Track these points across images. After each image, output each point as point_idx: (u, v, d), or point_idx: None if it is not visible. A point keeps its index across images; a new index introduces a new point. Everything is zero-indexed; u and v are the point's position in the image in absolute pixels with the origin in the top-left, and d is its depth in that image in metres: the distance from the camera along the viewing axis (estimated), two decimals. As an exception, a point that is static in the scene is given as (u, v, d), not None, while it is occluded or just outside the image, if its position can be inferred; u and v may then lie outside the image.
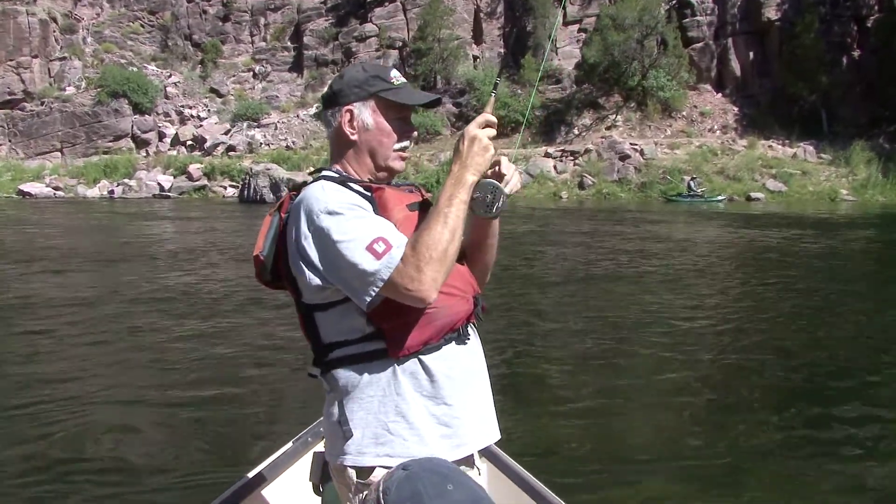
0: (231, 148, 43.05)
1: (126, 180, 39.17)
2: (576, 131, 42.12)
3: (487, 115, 2.20)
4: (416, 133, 2.41)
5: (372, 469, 2.20)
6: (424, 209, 2.27)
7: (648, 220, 25.36)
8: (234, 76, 49.57)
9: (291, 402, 6.60)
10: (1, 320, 9.72)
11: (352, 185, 2.24)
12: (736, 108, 43.66)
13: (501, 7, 47.61)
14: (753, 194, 35.51)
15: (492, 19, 47.59)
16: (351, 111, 2.33)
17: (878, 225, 25.53)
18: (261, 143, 43.73)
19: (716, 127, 43.03)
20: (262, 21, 51.30)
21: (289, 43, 50.62)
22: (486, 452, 3.18)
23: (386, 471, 2.13)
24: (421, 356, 2.19)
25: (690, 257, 16.24)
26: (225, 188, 38.06)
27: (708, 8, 45.54)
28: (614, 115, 42.74)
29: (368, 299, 2.09)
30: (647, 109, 42.65)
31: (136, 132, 44.33)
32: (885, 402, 6.64)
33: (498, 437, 2.35)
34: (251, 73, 49.82)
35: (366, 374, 2.21)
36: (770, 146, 40.59)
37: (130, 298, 11.17)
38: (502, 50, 47.13)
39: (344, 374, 2.24)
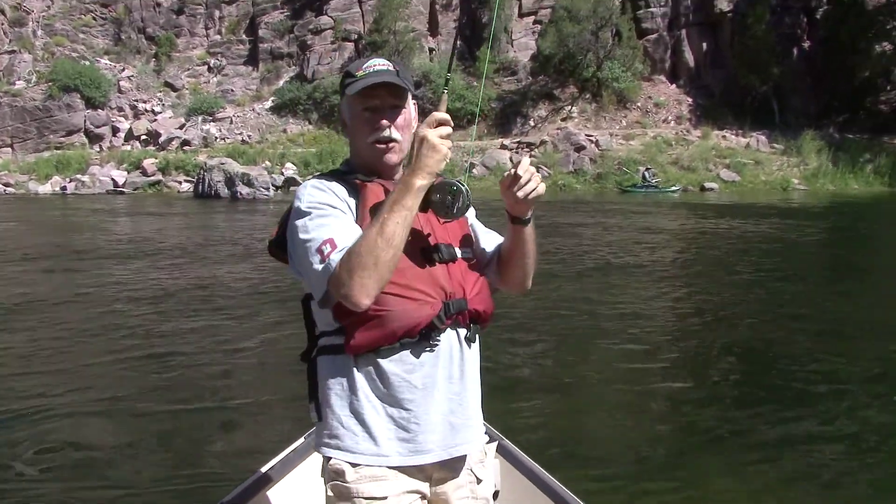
0: (186, 142, 42.58)
1: (79, 176, 38.53)
2: (531, 123, 42.25)
3: (437, 114, 2.15)
4: (385, 123, 2.28)
5: (328, 459, 2.26)
6: None
7: (604, 210, 25.57)
8: (188, 70, 49.00)
9: (302, 398, 6.50)
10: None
11: (349, 178, 2.30)
12: (690, 99, 44.06)
13: (457, -1, 47.61)
14: (707, 184, 35.90)
15: (447, 11, 47.48)
16: (341, 108, 2.42)
17: (829, 213, 26.03)
18: (216, 138, 43.28)
19: (670, 118, 43.38)
20: (217, 14, 50.69)
21: (244, 36, 50.10)
22: (500, 449, 3.22)
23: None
24: (378, 357, 2.20)
25: (647, 247, 16.44)
26: (180, 183, 37.62)
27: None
28: (570, 107, 42.94)
29: (318, 298, 2.18)
30: (603, 100, 42.89)
31: (88, 127, 43.59)
32: (840, 389, 6.86)
33: (476, 450, 2.35)
34: (206, 66, 49.27)
35: (332, 367, 2.26)
36: (723, 136, 41.06)
37: (92, 298, 11.02)
38: (458, 42, 47.04)
39: (321, 364, 2.30)
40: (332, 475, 2.25)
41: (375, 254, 2.01)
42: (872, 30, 41.25)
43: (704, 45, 45.16)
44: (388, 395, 2.21)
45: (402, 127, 2.32)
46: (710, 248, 16.39)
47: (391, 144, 2.30)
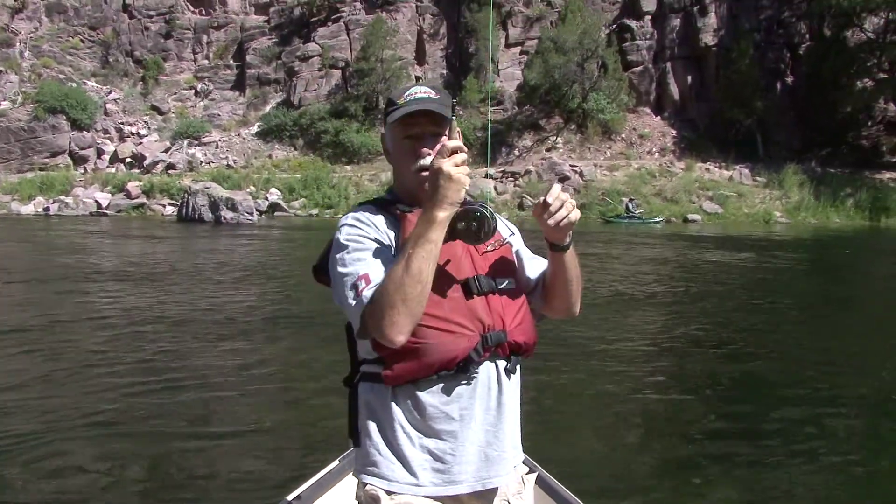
0: (171, 166, 42.55)
1: (62, 197, 38.42)
2: (516, 152, 42.40)
3: (450, 143, 2.10)
4: (426, 151, 2.25)
5: (364, 485, 2.25)
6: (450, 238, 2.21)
7: (588, 240, 25.62)
8: (175, 94, 49.07)
9: (333, 420, 6.48)
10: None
11: (391, 208, 2.30)
12: (674, 131, 44.35)
13: (444, 28, 47.88)
14: (690, 216, 36.06)
15: (435, 40, 47.83)
16: (383, 135, 2.43)
17: (810, 246, 26.23)
18: (201, 162, 43.28)
19: (654, 149, 43.61)
20: (205, 39, 50.86)
21: (231, 61, 50.26)
22: (539, 480, 3.15)
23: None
24: (416, 388, 2.19)
25: (630, 277, 16.50)
26: (164, 206, 37.55)
27: (647, 32, 46.24)
28: (555, 137, 43.11)
29: (355, 332, 2.20)
30: (587, 131, 43.13)
31: (73, 148, 43.54)
32: (816, 411, 7.06)
33: (513, 481, 2.33)
34: (193, 90, 49.35)
35: (373, 395, 2.25)
36: (707, 169, 41.26)
37: (99, 321, 10.98)
38: (445, 71, 47.33)
39: (362, 390, 2.30)
40: (367, 500, 2.24)
41: (403, 291, 2.01)
42: (854, 66, 41.73)
43: (689, 78, 45.53)
44: (425, 425, 2.20)
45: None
46: (693, 278, 16.45)
47: None
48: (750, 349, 9.69)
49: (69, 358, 8.71)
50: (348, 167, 42.02)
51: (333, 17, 47.81)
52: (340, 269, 2.17)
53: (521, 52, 46.87)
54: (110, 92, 47.60)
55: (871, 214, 37.60)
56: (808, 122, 43.31)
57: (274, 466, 5.62)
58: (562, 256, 2.33)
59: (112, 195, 38.51)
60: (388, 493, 2.20)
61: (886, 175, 40.73)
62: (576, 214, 2.24)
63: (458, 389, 2.21)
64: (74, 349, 9.20)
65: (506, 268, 2.35)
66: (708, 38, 44.88)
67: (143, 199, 37.96)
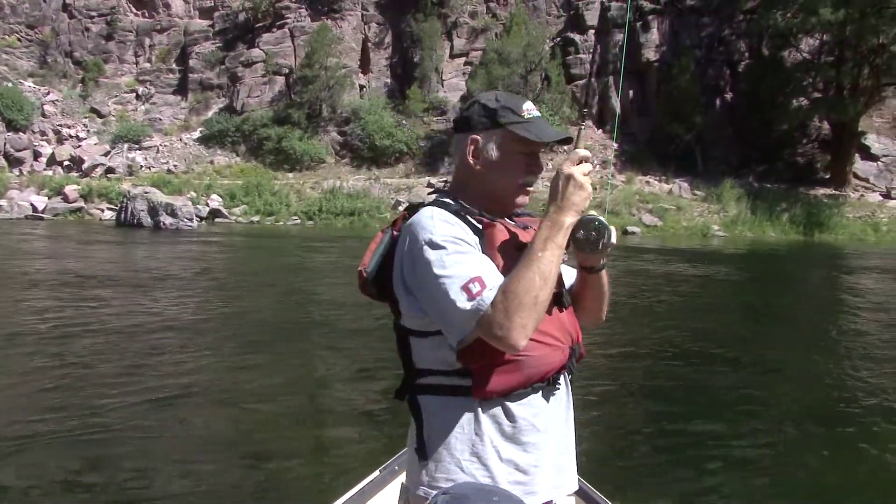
0: (110, 170, 41.83)
1: (-4, 200, 37.70)
2: (459, 162, 42.44)
3: (580, 151, 2.15)
4: (542, 170, 2.31)
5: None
6: None
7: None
8: (116, 96, 48.33)
9: (379, 428, 6.46)
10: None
11: (466, 216, 2.20)
12: (615, 145, 44.79)
13: (389, 37, 47.87)
14: (630, 228, 36.39)
15: (379, 49, 47.78)
16: (477, 141, 2.30)
17: (747, 258, 26.72)
18: (141, 166, 42.65)
19: (596, 162, 43.70)
20: (148, 42, 50.21)
21: (174, 65, 49.67)
22: (580, 492, 3.10)
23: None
24: (507, 401, 2.16)
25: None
26: (102, 211, 36.82)
27: (590, 46, 46.56)
28: (497, 148, 43.14)
29: (458, 338, 2.09)
30: (530, 143, 43.32)
31: (8, 150, 42.55)
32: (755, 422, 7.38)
33: (574, 488, 2.33)
34: (134, 94, 48.67)
35: (448, 408, 2.19)
36: (647, 182, 41.76)
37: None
38: (389, 80, 47.35)
39: (428, 403, 2.23)
40: None
41: (534, 293, 1.98)
42: (790, 85, 42.52)
43: (631, 92, 46.02)
44: (514, 438, 2.17)
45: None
46: (637, 289, 16.65)
47: (532, 190, 2.35)
48: (691, 357, 9.93)
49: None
50: (290, 174, 41.78)
51: (278, 23, 47.50)
52: (439, 270, 2.06)
53: (466, 63, 47.04)
54: (48, 93, 46.67)
55: (805, 229, 38.28)
56: (745, 139, 44.07)
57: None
58: (596, 277, 2.35)
59: (49, 199, 37.65)
60: None
61: (820, 191, 41.59)
62: (613, 238, 2.23)
63: (544, 402, 2.22)
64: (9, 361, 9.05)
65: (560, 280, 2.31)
66: (650, 54, 45.46)
67: (80, 204, 37.17)
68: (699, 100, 43.47)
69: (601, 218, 2.16)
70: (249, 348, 9.95)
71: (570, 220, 2.08)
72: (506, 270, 2.08)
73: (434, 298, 2.08)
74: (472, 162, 2.30)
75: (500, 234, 2.19)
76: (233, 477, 5.74)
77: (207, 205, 36.97)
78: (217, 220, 36.02)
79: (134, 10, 51.01)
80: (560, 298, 2.22)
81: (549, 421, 2.22)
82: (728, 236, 36.67)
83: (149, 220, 32.05)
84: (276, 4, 47.64)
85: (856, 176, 42.71)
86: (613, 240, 2.21)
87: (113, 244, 25.21)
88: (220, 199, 37.83)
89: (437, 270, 2.06)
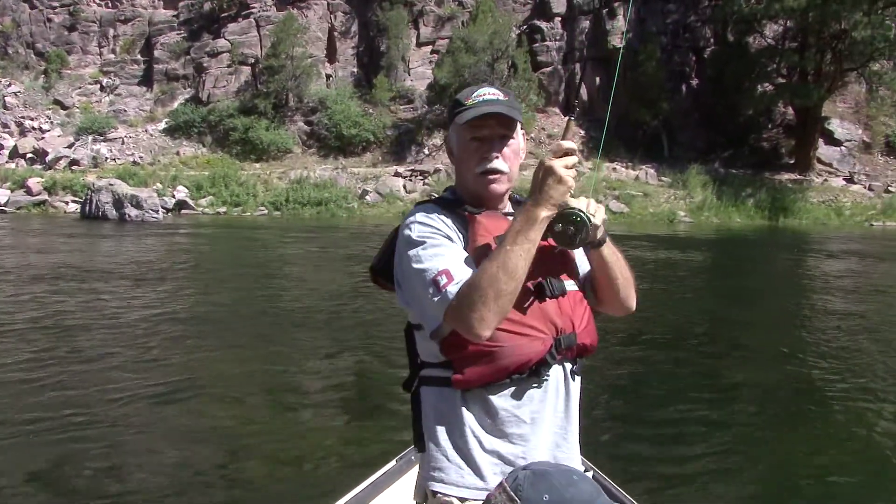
0: (74, 162, 41.36)
1: (-43, 193, 37.19)
2: (426, 151, 42.38)
3: (563, 143, 2.11)
4: (494, 154, 2.27)
5: (434, 493, 2.23)
6: None
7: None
8: (79, 88, 47.75)
9: (397, 418, 6.48)
10: None
11: (457, 209, 2.29)
12: (582, 132, 44.81)
13: (355, 27, 47.65)
14: (597, 214, 36.49)
15: (346, 38, 47.53)
16: (447, 136, 2.42)
17: (713, 244, 26.98)
18: (106, 158, 42.20)
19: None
20: (111, 32, 49.58)
21: (139, 56, 49.11)
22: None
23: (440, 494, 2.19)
24: (487, 392, 2.18)
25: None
26: (67, 204, 36.43)
27: (557, 34, 46.72)
28: (464, 136, 43.11)
29: (430, 330, 2.17)
30: (497, 131, 43.30)
31: (-30, 143, 42.20)
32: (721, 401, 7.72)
33: None
34: (98, 85, 48.10)
35: (438, 399, 2.24)
36: (614, 168, 41.92)
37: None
38: (355, 69, 47.18)
39: (425, 395, 2.29)
40: None
41: (497, 286, 2.00)
42: (755, 71, 42.78)
43: (598, 79, 46.03)
44: (496, 429, 2.19)
45: (510, 157, 2.31)
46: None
47: (498, 175, 2.29)
48: (663, 341, 10.08)
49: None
50: (257, 165, 41.53)
51: (243, 13, 47.09)
52: (416, 265, 2.14)
53: (433, 52, 46.90)
54: (10, 85, 45.99)
55: (770, 214, 38.60)
56: (711, 124, 44.35)
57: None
58: (599, 253, 2.32)
59: (11, 192, 37.12)
60: (461, 499, 2.19)
61: (785, 176, 41.95)
62: (599, 215, 2.23)
63: (530, 393, 2.21)
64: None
65: (571, 268, 2.36)
66: (616, 41, 45.45)
67: (44, 196, 36.73)
68: (665, 86, 43.66)
69: (584, 212, 2.13)
70: (226, 340, 9.95)
71: (545, 213, 2.06)
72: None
73: (412, 292, 2.18)
74: (448, 156, 2.43)
75: (481, 226, 2.24)
76: (247, 468, 5.81)
77: (174, 196, 36.65)
78: (183, 211, 35.76)
79: (97, 0, 50.40)
80: (542, 287, 2.20)
81: (538, 412, 2.22)
82: (694, 222, 36.92)
83: (114, 212, 31.79)
84: (242, -6, 47.27)
85: (819, 161, 43.11)
86: (599, 234, 2.23)
87: (77, 237, 24.95)
88: (187, 191, 37.52)
89: (414, 265, 2.15)
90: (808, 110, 41.53)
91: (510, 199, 2.42)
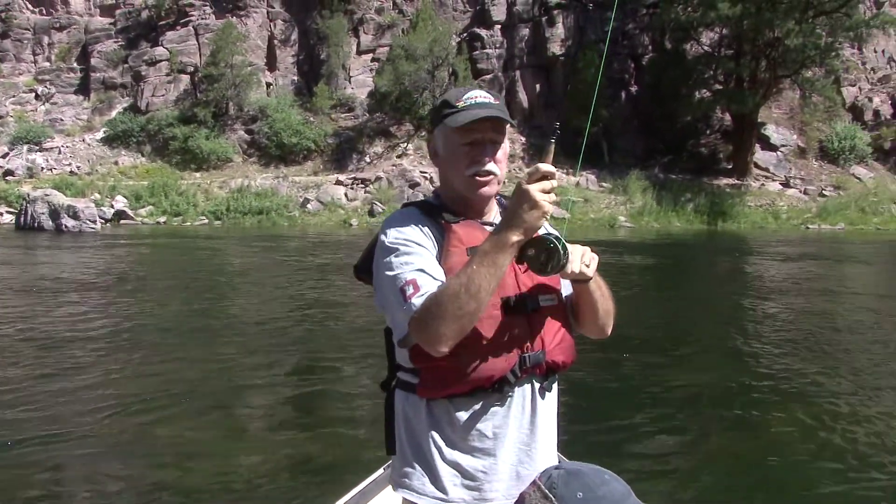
0: (9, 172, 40.55)
1: None
2: (367, 159, 42.36)
3: (542, 166, 2.05)
4: (491, 158, 2.23)
5: (403, 498, 2.25)
6: None
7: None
8: (13, 96, 46.87)
9: (381, 428, 6.41)
10: None
11: (435, 215, 2.24)
12: (523, 139, 45.08)
13: (296, 35, 47.47)
14: (537, 221, 36.69)
15: (286, 46, 47.35)
16: (432, 139, 2.34)
17: (653, 248, 27.29)
18: (42, 168, 41.49)
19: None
20: (46, 40, 48.81)
21: (75, 64, 48.41)
22: None
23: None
24: (451, 404, 2.17)
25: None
26: (1, 214, 35.84)
27: (497, 41, 46.96)
28: (405, 144, 43.23)
29: (397, 338, 2.17)
30: (438, 138, 43.42)
31: None
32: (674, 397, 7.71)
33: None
34: (33, 94, 47.34)
35: (406, 405, 2.24)
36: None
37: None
38: (296, 77, 46.97)
39: (398, 398, 2.29)
40: None
41: (458, 304, 1.95)
42: (692, 78, 43.39)
43: (538, 86, 46.41)
44: (458, 442, 2.18)
45: (501, 160, 2.27)
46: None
47: (489, 178, 2.24)
48: (605, 342, 10.18)
49: None
50: (197, 174, 41.14)
51: (182, 21, 46.70)
52: (387, 272, 2.12)
53: (373, 60, 46.92)
54: (-61, 93, 45.18)
55: (709, 218, 39.13)
56: (650, 130, 44.89)
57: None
58: (585, 288, 2.27)
59: (-57, 203, 36.54)
60: None
61: (723, 181, 42.56)
62: (592, 267, 2.20)
63: (493, 408, 2.18)
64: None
65: (549, 284, 2.29)
66: (555, 48, 45.90)
67: (-23, 208, 36.14)
68: (605, 93, 44.01)
69: (559, 240, 2.07)
70: (172, 353, 9.77)
71: (516, 238, 1.99)
72: (456, 273, 2.07)
73: (384, 297, 2.16)
74: (433, 159, 2.36)
75: (456, 237, 2.20)
76: (236, 476, 5.79)
77: (112, 206, 36.18)
78: (123, 221, 35.32)
79: (30, 6, 49.55)
80: (511, 304, 2.17)
81: (500, 427, 2.20)
82: (635, 227, 37.29)
83: (50, 223, 31.33)
84: (180, 2, 46.80)
85: (756, 166, 43.82)
86: (573, 268, 2.13)
87: (10, 248, 24.51)
88: (126, 201, 37.05)
89: (385, 271, 2.13)
90: (744, 116, 42.17)
91: (497, 201, 2.41)
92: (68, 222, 30.97)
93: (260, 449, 6.40)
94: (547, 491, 1.79)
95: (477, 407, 2.18)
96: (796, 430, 6.86)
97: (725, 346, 10.63)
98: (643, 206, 39.75)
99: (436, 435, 2.19)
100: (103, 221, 33.34)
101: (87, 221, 31.34)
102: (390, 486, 3.40)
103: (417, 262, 2.12)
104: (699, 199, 40.63)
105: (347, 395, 8.02)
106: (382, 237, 2.20)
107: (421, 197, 2.52)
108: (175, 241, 27.69)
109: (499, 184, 2.30)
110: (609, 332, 2.43)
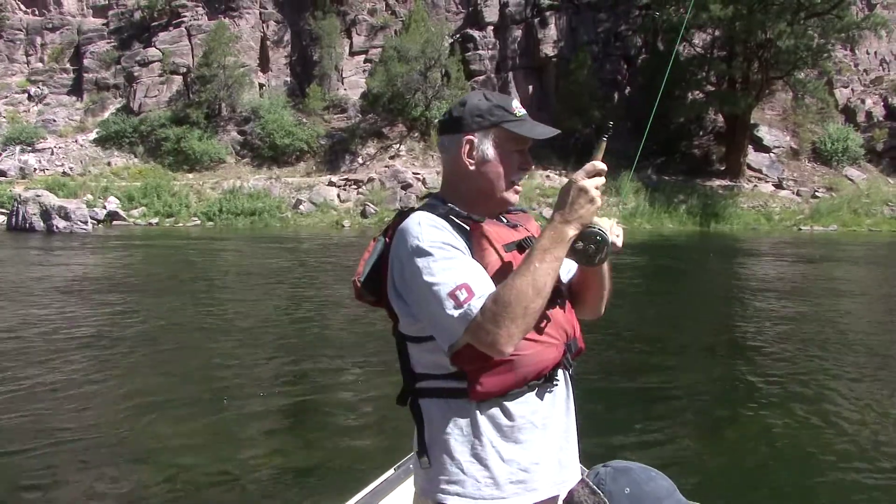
0: (1, 173, 40.59)
1: None
2: (360, 160, 42.34)
3: (596, 163, 2.12)
4: (533, 167, 2.36)
5: None
6: (524, 248, 2.22)
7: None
8: (6, 97, 46.72)
9: (395, 427, 6.49)
10: None
11: (453, 218, 2.20)
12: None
13: (288, 36, 47.42)
14: (532, 222, 36.71)
15: (278, 48, 47.29)
16: (472, 141, 2.29)
17: (646, 249, 27.28)
18: (35, 169, 41.43)
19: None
20: (39, 41, 48.70)
21: (68, 65, 48.30)
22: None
23: None
24: (505, 400, 2.17)
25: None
26: (-8, 215, 35.76)
27: (490, 42, 46.95)
28: (398, 145, 43.25)
29: (448, 344, 2.09)
30: (430, 139, 43.32)
31: None
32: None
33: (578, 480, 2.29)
34: (26, 94, 47.25)
35: (447, 411, 2.20)
36: (548, 176, 42.16)
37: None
38: (288, 78, 46.92)
39: (427, 406, 2.24)
40: None
41: (525, 304, 1.97)
42: (685, 79, 43.41)
43: (530, 87, 46.48)
44: (512, 436, 2.18)
45: None
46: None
47: (520, 185, 2.35)
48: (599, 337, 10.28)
49: None
50: (190, 175, 41.07)
51: (175, 21, 46.58)
52: (427, 277, 2.07)
53: (366, 61, 46.87)
54: (-69, 94, 45.05)
55: (701, 220, 39.20)
56: (643, 132, 44.82)
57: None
58: (600, 269, 2.33)
59: (-66, 204, 36.38)
60: None
61: (716, 182, 42.62)
62: (619, 240, 2.28)
63: (542, 399, 2.23)
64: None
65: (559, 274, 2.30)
66: (548, 49, 45.96)
67: (-31, 208, 36.00)
68: (597, 94, 44.08)
69: (605, 232, 2.14)
70: (162, 356, 9.80)
71: (573, 232, 2.06)
72: (494, 271, 2.13)
73: (424, 305, 2.10)
74: (467, 162, 2.29)
75: (488, 235, 2.20)
76: (233, 480, 5.80)
77: (105, 207, 36.12)
78: (115, 222, 35.27)
79: (23, 7, 49.46)
80: (555, 297, 2.20)
81: (548, 417, 2.24)
82: (627, 228, 36.21)
83: (41, 224, 31.32)
84: (173, 3, 46.70)
85: (749, 167, 43.87)
86: (609, 256, 2.21)
87: (1, 249, 24.48)
88: (118, 202, 36.98)
89: (425, 277, 2.07)
90: (737, 118, 42.26)
91: None
92: (59, 223, 30.94)
93: (258, 453, 6.41)
94: (595, 487, 1.80)
95: (529, 399, 2.21)
96: (788, 426, 6.98)
97: (716, 344, 10.83)
98: (636, 207, 39.79)
99: (491, 434, 2.18)
100: (95, 222, 33.29)
101: (79, 222, 31.31)
102: (401, 485, 3.42)
103: (462, 265, 2.10)
104: (692, 200, 40.68)
105: (346, 398, 8.05)
106: (414, 242, 2.13)
107: (414, 199, 2.54)
108: (166, 243, 27.66)
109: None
110: (603, 310, 2.50)
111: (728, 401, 7.93)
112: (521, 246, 2.25)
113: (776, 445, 6.55)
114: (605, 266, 2.34)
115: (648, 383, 8.57)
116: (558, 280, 2.26)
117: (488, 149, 2.29)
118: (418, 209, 2.27)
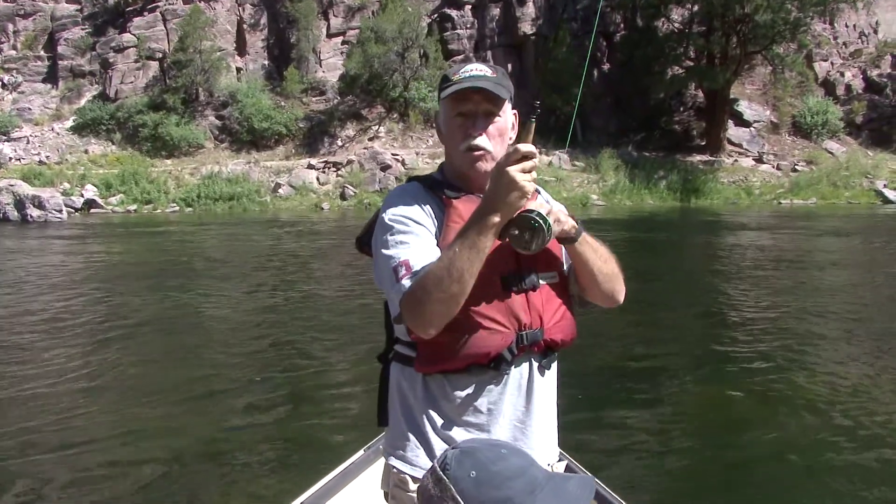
0: (-25, 163, 40.30)
1: None
2: (339, 142, 42.16)
3: (521, 146, 1.99)
4: (478, 133, 2.20)
5: (392, 468, 2.25)
6: None
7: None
8: (-21, 86, 46.47)
9: (363, 409, 6.50)
10: None
11: (437, 190, 2.25)
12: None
13: (265, 19, 47.08)
14: (510, 202, 36.66)
15: (255, 31, 46.95)
16: (436, 114, 2.42)
17: (627, 225, 27.38)
18: (10, 158, 41.08)
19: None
20: (11, 28, 48.14)
21: (42, 52, 47.84)
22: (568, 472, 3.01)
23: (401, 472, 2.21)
24: (447, 379, 2.17)
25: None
26: (-34, 205, 35.40)
27: (468, 22, 46.75)
28: (377, 126, 43.09)
29: (393, 315, 2.19)
30: (409, 120, 43.24)
31: None
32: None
33: None
34: (0, 83, 46.87)
35: (404, 377, 2.25)
36: (527, 155, 42.09)
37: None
38: (266, 62, 46.62)
39: (393, 370, 2.31)
40: (395, 483, 2.24)
41: (441, 288, 1.96)
42: (664, 55, 43.38)
43: (510, 66, 46.19)
44: (452, 415, 2.18)
45: (495, 136, 2.24)
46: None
47: (483, 153, 2.21)
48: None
49: None
50: (168, 161, 40.80)
51: (149, 6, 46.14)
52: (383, 250, 2.13)
53: (343, 42, 46.59)
54: None
55: (682, 196, 39.24)
56: (623, 108, 44.86)
57: None
58: (574, 249, 2.24)
59: None
60: (415, 479, 2.16)
61: (696, 158, 42.66)
62: (563, 224, 2.17)
63: (489, 385, 2.19)
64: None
65: (551, 259, 2.29)
66: (526, 28, 45.76)
67: (-57, 199, 35.65)
68: (577, 71, 43.90)
69: (543, 217, 2.04)
70: (141, 345, 9.74)
71: (496, 219, 1.98)
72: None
73: (379, 274, 2.18)
74: (439, 137, 2.35)
75: (456, 213, 2.18)
76: (210, 465, 5.81)
77: (82, 195, 35.87)
78: (93, 210, 35.06)
79: (-7, -6, 48.94)
80: (509, 282, 2.16)
81: (495, 404, 2.20)
82: (607, 205, 37.36)
83: (15, 213, 31.18)
84: (147, -13, 46.32)
85: (729, 142, 43.90)
86: (570, 232, 2.18)
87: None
88: (96, 189, 36.72)
89: (381, 250, 2.15)
90: (716, 93, 42.23)
91: None
92: (33, 212, 30.85)
93: (246, 430, 6.47)
94: (441, 473, 1.71)
95: (472, 383, 2.18)
96: (777, 407, 7.05)
97: (700, 320, 10.82)
98: (616, 184, 39.77)
99: (431, 408, 2.20)
100: (72, 211, 33.09)
101: (53, 211, 31.21)
102: (372, 466, 3.45)
103: (413, 241, 2.12)
104: (672, 176, 40.68)
105: (332, 372, 8.14)
106: (382, 215, 2.20)
107: (393, 180, 2.51)
108: (144, 230, 27.50)
109: (494, 160, 2.19)
110: (621, 298, 2.41)
111: (709, 379, 7.99)
112: None
113: (764, 425, 6.61)
114: (587, 248, 2.26)
115: (631, 364, 8.61)
116: (542, 263, 2.24)
117: (441, 121, 2.33)
118: (411, 179, 2.35)
